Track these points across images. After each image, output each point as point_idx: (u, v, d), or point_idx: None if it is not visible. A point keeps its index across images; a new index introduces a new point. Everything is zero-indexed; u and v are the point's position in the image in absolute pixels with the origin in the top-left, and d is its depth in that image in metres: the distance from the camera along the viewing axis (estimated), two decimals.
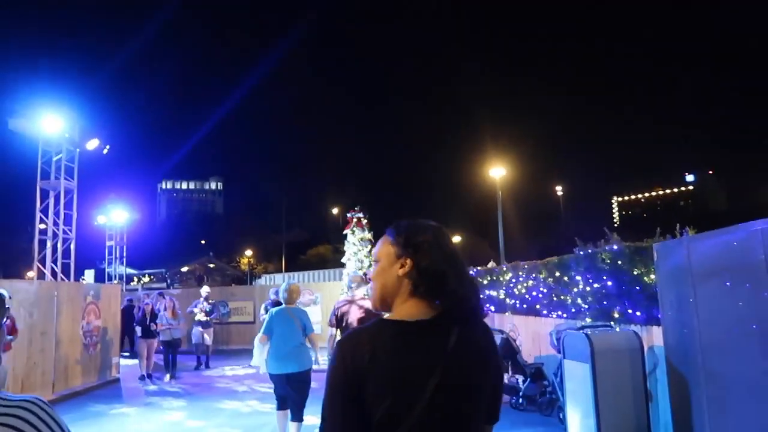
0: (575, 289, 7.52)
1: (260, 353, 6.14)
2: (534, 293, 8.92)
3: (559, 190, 74.56)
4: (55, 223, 12.21)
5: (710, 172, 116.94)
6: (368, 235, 15.46)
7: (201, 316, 13.33)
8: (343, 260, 15.85)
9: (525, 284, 9.24)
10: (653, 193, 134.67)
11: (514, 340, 7.57)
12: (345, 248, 15.78)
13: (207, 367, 13.15)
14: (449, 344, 1.32)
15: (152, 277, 34.05)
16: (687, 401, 4.73)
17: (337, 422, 1.30)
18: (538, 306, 8.81)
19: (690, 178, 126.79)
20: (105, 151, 13.54)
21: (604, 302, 6.85)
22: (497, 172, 23.01)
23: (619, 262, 6.45)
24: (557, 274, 8.04)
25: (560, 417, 6.40)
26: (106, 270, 22.85)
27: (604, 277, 6.75)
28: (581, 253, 7.34)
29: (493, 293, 10.74)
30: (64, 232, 12.34)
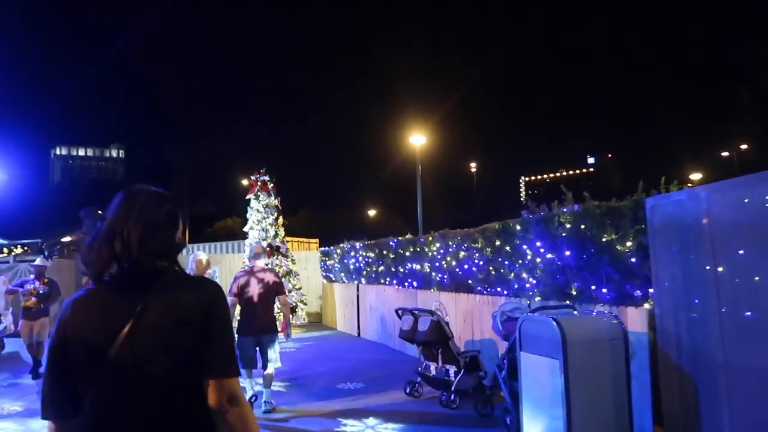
0: (520, 261, 6.20)
1: None
2: (466, 266, 7.57)
3: (473, 167, 75.48)
4: None
5: (609, 155, 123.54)
6: (274, 200, 13.60)
7: (30, 302, 8.71)
8: (246, 229, 13.91)
9: (456, 256, 7.87)
10: (558, 174, 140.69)
11: (447, 324, 6.18)
12: (248, 215, 13.84)
13: (33, 378, 8.43)
14: (147, 295, 1.46)
15: (26, 248, 30.11)
16: (694, 409, 3.46)
17: (49, 368, 1.51)
18: (470, 281, 7.47)
19: (591, 160, 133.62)
20: None
21: (558, 276, 5.56)
22: (417, 140, 21.67)
23: (582, 227, 5.14)
24: (497, 243, 6.69)
25: (506, 421, 5.05)
26: None
27: (561, 246, 5.44)
28: (530, 216, 6.00)
29: (417, 267, 9.33)
30: None
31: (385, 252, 10.85)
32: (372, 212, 59.68)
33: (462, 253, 7.72)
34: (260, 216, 13.48)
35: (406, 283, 9.78)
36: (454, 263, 7.90)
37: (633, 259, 4.60)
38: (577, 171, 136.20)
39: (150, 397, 1.43)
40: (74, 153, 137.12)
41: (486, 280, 7.00)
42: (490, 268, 6.89)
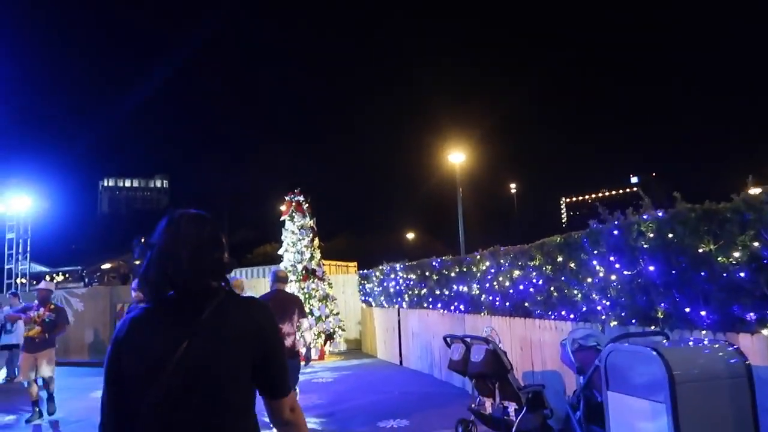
0: (589, 280, 5.32)
1: None
2: (522, 287, 6.70)
3: (512, 188, 73.87)
4: None
5: (653, 174, 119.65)
6: (310, 221, 13.00)
7: (32, 331, 7.61)
8: (281, 252, 13.32)
9: (509, 276, 7.01)
10: (599, 194, 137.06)
11: (504, 353, 5.33)
12: (282, 237, 13.26)
13: (49, 413, 7.99)
14: (202, 316, 1.51)
15: (68, 275, 30.35)
16: None
17: (105, 388, 1.55)
18: (527, 304, 6.59)
19: (634, 179, 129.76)
20: None
21: (638, 296, 4.66)
22: (456, 157, 20.91)
23: (671, 236, 4.26)
24: (559, 259, 5.83)
25: None
26: (5, 267, 19.46)
27: (641, 260, 4.56)
28: (599, 226, 5.14)
29: (464, 288, 8.48)
30: None
31: (427, 273, 10.04)
32: (410, 235, 58.88)
33: (516, 272, 6.86)
34: (295, 238, 12.88)
35: (452, 307, 8.93)
36: (507, 284, 7.04)
37: (742, 274, 3.69)
38: (620, 191, 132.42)
39: (202, 415, 1.48)
40: (121, 184, 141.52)
41: (546, 302, 6.12)
42: (551, 288, 6.01)
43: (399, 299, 11.61)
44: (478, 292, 7.93)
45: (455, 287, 8.81)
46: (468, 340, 5.66)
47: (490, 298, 7.58)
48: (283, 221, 13.35)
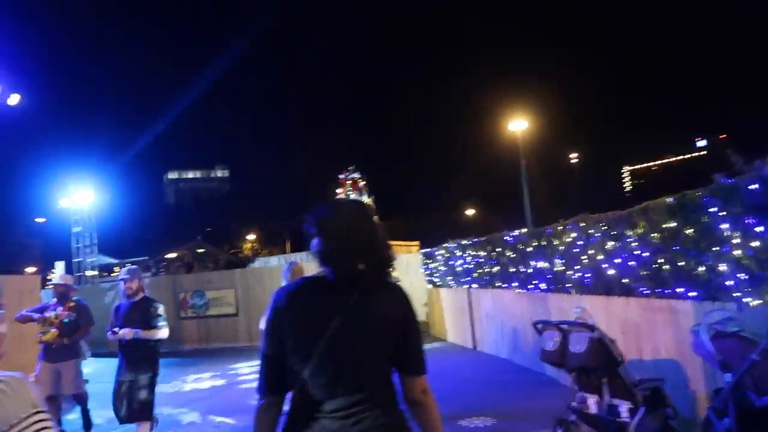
0: (715, 249, 4.29)
1: None
2: (619, 260, 5.71)
3: (573, 157, 70.88)
4: None
5: (722, 137, 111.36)
6: (367, 199, 12.28)
7: (48, 335, 6.04)
8: None
9: (601, 248, 6.02)
10: (664, 161, 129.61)
11: (612, 341, 4.41)
12: None
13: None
14: (350, 299, 1.69)
15: (135, 266, 31.09)
16: None
17: (266, 350, 1.76)
18: (627, 280, 5.61)
19: (702, 143, 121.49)
20: (12, 102, 10.32)
21: None
22: (518, 125, 19.62)
23: None
24: (671, 224, 4.80)
25: None
26: (73, 260, 19.84)
27: None
28: (730, 181, 4.10)
29: (544, 265, 7.53)
30: None
31: (499, 249, 9.12)
32: (469, 212, 57.49)
33: (610, 244, 5.86)
34: None
35: (530, 285, 8.00)
36: (599, 257, 6.05)
37: None
38: (686, 156, 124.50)
39: (353, 379, 1.68)
40: (184, 176, 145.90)
41: (655, 277, 5.12)
42: (660, 260, 5.00)
43: (468, 278, 10.75)
44: (562, 268, 6.96)
45: (534, 263, 7.86)
46: (565, 327, 4.76)
47: (578, 274, 6.61)
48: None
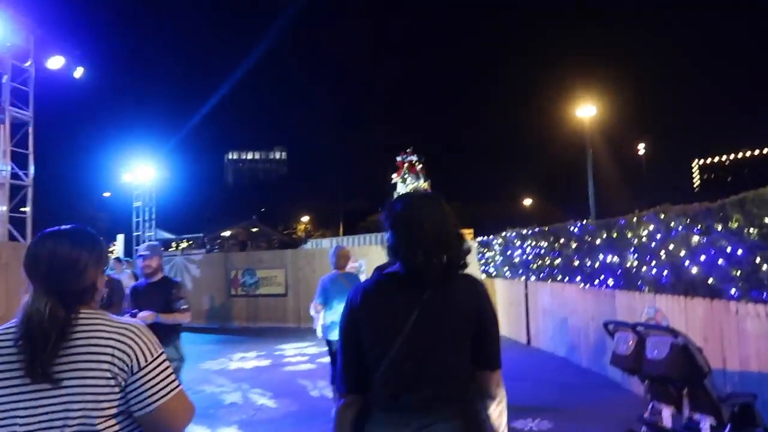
0: None
1: (317, 322, 5.97)
2: (704, 257, 5.07)
3: (641, 148, 67.66)
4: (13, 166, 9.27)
5: None
6: (424, 183, 11.84)
7: None
8: None
9: (684, 243, 5.38)
10: (739, 155, 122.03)
11: (699, 350, 3.85)
12: None
13: None
14: (425, 293, 1.69)
15: (191, 242, 31.79)
16: None
17: (344, 348, 1.78)
18: (713, 280, 4.97)
19: None
20: (77, 75, 10.41)
21: None
22: (586, 111, 18.63)
23: None
24: None
25: None
26: (134, 234, 20.36)
27: None
28: None
29: (613, 259, 6.91)
30: (15, 176, 9.37)
31: (563, 240, 8.51)
32: (527, 202, 56.03)
33: (695, 239, 5.22)
34: None
35: (597, 281, 7.39)
36: (681, 253, 5.41)
37: None
38: (764, 151, 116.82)
39: (431, 374, 1.67)
40: (244, 157, 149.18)
41: (749, 279, 4.48)
42: (758, 260, 4.36)
43: (525, 270, 10.18)
44: (636, 263, 6.34)
45: (601, 257, 7.25)
46: (642, 329, 4.21)
47: (654, 271, 5.98)
48: (395, 184, 12.31)
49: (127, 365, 1.44)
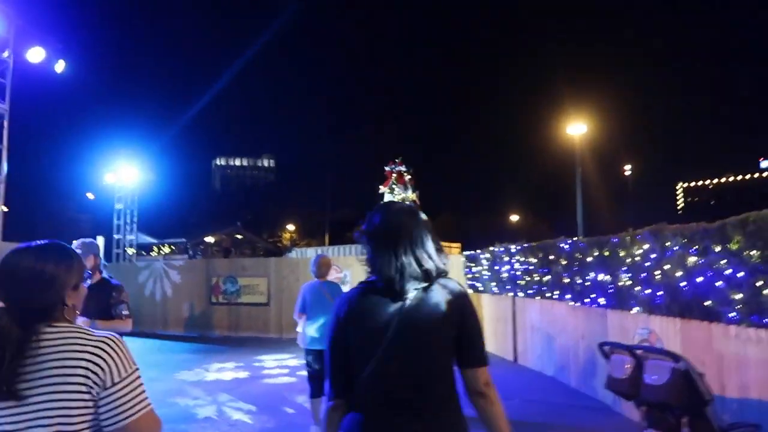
0: None
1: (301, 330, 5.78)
2: (702, 279, 4.90)
3: (627, 169, 68.28)
4: None
5: None
6: (412, 194, 11.63)
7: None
8: None
9: (680, 263, 5.22)
10: (723, 180, 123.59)
11: (701, 376, 3.66)
12: None
13: None
14: (407, 299, 1.77)
15: (173, 247, 31.21)
16: None
17: (331, 355, 1.85)
18: (710, 302, 4.80)
19: (766, 163, 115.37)
20: (59, 69, 10.09)
21: None
22: (576, 129, 18.61)
23: None
24: None
25: None
26: (114, 237, 19.90)
27: None
28: None
29: (605, 278, 6.74)
30: None
31: (552, 257, 8.34)
32: (514, 218, 56.12)
33: (692, 259, 5.06)
34: None
35: (587, 299, 7.22)
36: (678, 274, 5.24)
37: None
38: (747, 177, 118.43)
39: (414, 374, 1.74)
40: (231, 163, 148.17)
41: (750, 302, 4.31)
42: (760, 283, 4.19)
43: (513, 286, 9.99)
44: (629, 282, 6.17)
45: (592, 275, 7.08)
46: (639, 352, 4.01)
47: (647, 291, 5.81)
48: (382, 195, 12.09)
49: (101, 379, 1.42)
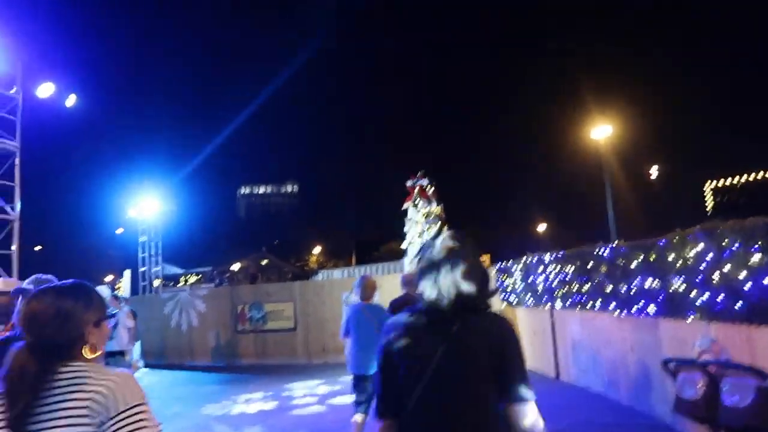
0: None
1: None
2: None
3: (654, 171, 66.69)
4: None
5: None
6: (436, 208, 11.19)
7: None
8: (404, 245, 11.66)
9: (742, 263, 4.67)
10: (751, 177, 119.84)
11: None
12: (405, 229, 11.57)
13: None
14: (453, 326, 1.80)
15: (200, 276, 31.14)
16: None
17: (382, 378, 1.93)
18: None
19: None
20: (69, 103, 9.97)
21: None
22: (601, 132, 18.01)
23: None
24: None
25: None
26: (140, 270, 19.81)
27: None
28: None
29: (653, 284, 6.18)
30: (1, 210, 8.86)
31: (591, 265, 7.79)
32: (541, 227, 55.09)
33: (756, 258, 4.51)
34: (420, 228, 11.12)
35: (635, 307, 6.65)
36: (741, 275, 4.69)
37: None
38: None
39: (458, 401, 1.78)
40: (256, 191, 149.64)
41: None
42: None
43: (550, 297, 9.43)
44: (683, 287, 5.60)
45: (637, 282, 6.52)
46: (713, 368, 3.49)
47: (706, 296, 5.25)
48: (405, 211, 11.68)
49: (105, 408, 1.44)
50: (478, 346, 1.79)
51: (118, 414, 1.43)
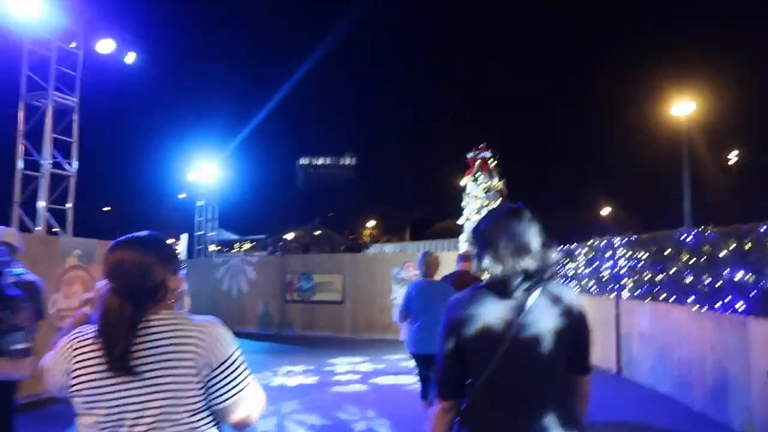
0: None
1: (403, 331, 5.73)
2: None
3: (733, 156, 62.52)
4: (55, 156, 8.75)
5: None
6: (498, 183, 10.49)
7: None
8: (461, 221, 11.05)
9: None
10: None
11: None
12: (463, 204, 10.94)
13: None
14: (523, 302, 1.77)
15: (254, 243, 31.51)
16: None
17: (445, 358, 1.85)
18: None
19: None
20: (129, 60, 9.83)
21: None
22: (683, 108, 16.61)
23: None
24: None
25: None
26: (196, 234, 20.05)
27: None
28: None
29: (746, 277, 5.37)
30: (56, 166, 8.84)
31: (668, 252, 6.99)
32: (605, 210, 52.84)
33: None
34: (479, 203, 10.47)
35: (719, 304, 5.85)
36: None
37: None
38: None
39: (536, 374, 1.74)
40: (315, 162, 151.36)
41: None
42: None
43: (617, 286, 8.66)
44: None
45: (726, 274, 5.71)
46: None
47: None
48: (464, 186, 11.04)
49: (208, 360, 1.51)
50: (551, 316, 1.77)
51: (223, 363, 1.53)
